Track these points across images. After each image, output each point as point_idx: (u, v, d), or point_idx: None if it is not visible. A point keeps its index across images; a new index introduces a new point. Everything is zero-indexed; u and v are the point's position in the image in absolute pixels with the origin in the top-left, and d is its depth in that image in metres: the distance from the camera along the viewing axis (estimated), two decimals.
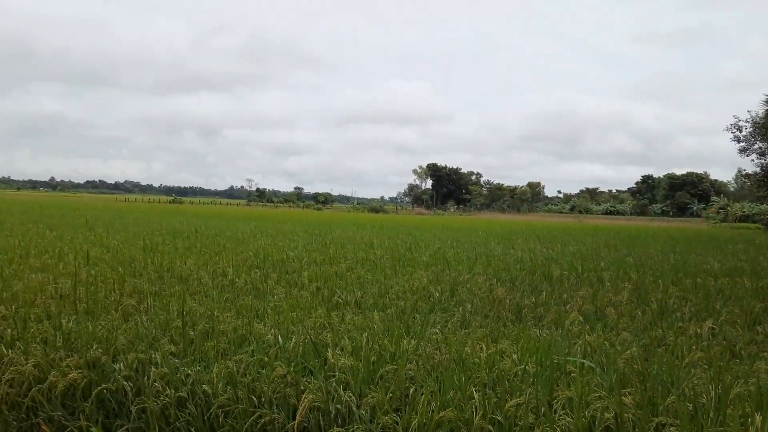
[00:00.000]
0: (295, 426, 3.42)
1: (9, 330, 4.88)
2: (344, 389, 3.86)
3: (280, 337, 4.64)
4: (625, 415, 3.23)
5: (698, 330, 5.87)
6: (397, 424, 3.45)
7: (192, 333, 4.97)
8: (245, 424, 3.62)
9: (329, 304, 6.87)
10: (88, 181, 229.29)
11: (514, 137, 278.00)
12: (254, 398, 3.84)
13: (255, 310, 6.02)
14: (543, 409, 3.53)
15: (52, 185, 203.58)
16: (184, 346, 4.71)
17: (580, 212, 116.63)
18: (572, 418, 3.32)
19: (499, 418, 3.38)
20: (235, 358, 4.29)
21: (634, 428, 3.24)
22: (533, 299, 7.50)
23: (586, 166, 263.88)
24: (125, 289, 6.94)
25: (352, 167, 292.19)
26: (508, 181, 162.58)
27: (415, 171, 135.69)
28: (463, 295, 7.71)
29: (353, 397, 3.67)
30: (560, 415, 3.44)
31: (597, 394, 3.55)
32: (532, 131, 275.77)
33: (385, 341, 4.62)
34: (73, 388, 4.13)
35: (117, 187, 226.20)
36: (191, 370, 4.17)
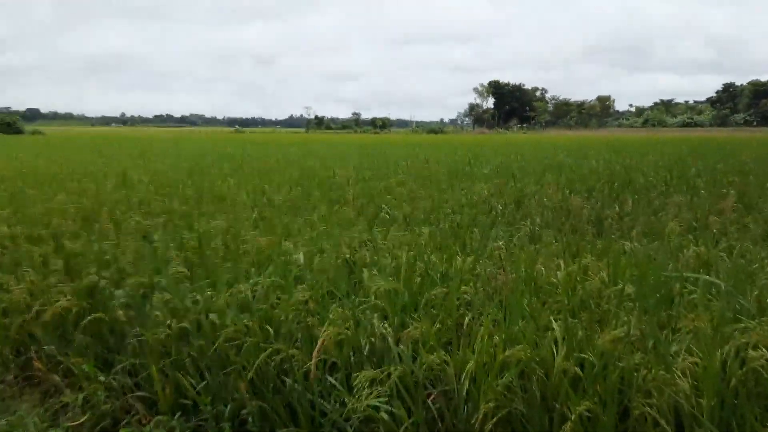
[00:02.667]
0: (312, 368, 2.61)
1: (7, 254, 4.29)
2: (383, 318, 3.02)
3: (301, 256, 3.80)
4: None
5: None
6: (447, 364, 2.58)
7: (209, 254, 4.23)
8: (256, 361, 2.85)
9: (376, 220, 6.01)
10: (156, 116, 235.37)
11: (578, 49, 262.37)
12: (270, 329, 3.07)
13: (287, 228, 5.23)
14: (651, 343, 2.56)
15: (122, 120, 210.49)
16: (198, 268, 3.98)
17: (654, 125, 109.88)
18: (699, 357, 2.33)
19: (591, 357, 2.44)
20: (251, 281, 3.52)
21: None
22: (616, 209, 6.36)
23: (659, 76, 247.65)
24: (153, 209, 6.31)
25: (409, 90, 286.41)
26: (574, 97, 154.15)
27: (475, 89, 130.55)
28: (531, 208, 6.67)
29: (389, 329, 2.81)
30: (677, 352, 2.47)
31: (735, 326, 2.53)
32: (597, 42, 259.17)
33: (433, 258, 3.71)
34: (65, 318, 3.49)
35: (183, 120, 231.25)
36: (201, 296, 3.43)
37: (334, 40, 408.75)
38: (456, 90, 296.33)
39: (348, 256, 4.27)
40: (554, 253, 4.36)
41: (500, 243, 4.48)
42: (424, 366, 2.58)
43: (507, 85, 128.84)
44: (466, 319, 2.97)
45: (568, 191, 7.87)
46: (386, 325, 2.88)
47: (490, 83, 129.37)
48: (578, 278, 3.59)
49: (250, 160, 14.71)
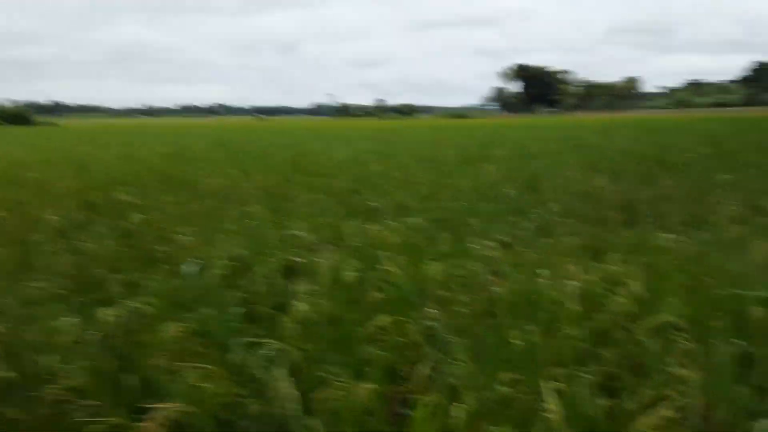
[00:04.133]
0: None
1: None
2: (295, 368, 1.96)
3: (191, 264, 2.73)
4: None
5: None
6: None
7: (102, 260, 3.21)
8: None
9: (359, 210, 4.93)
10: (183, 107, 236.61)
11: (604, 31, 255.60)
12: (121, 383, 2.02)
13: (230, 221, 4.19)
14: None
15: (147, 112, 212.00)
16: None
17: (684, 106, 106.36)
18: None
19: None
20: (127, 301, 2.48)
21: None
22: (650, 192, 5.17)
23: (687, 57, 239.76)
24: (90, 198, 5.32)
25: (433, 75, 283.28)
26: (602, 79, 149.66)
27: (501, 73, 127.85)
28: (547, 193, 5.51)
29: (294, 391, 1.74)
30: None
31: None
32: (621, 23, 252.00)
33: (393, 267, 2.62)
34: None
35: (210, 111, 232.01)
36: (52, 325, 2.40)
37: (357, 25, 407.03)
38: (481, 74, 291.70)
39: (298, 259, 3.22)
40: (570, 250, 3.24)
41: (499, 239, 3.37)
42: None
43: (534, 68, 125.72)
44: (425, 369, 1.88)
45: (591, 171, 6.68)
46: (291, 381, 1.80)
47: (516, 67, 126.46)
48: (600, 289, 2.48)
49: (248, 146, 13.75)
